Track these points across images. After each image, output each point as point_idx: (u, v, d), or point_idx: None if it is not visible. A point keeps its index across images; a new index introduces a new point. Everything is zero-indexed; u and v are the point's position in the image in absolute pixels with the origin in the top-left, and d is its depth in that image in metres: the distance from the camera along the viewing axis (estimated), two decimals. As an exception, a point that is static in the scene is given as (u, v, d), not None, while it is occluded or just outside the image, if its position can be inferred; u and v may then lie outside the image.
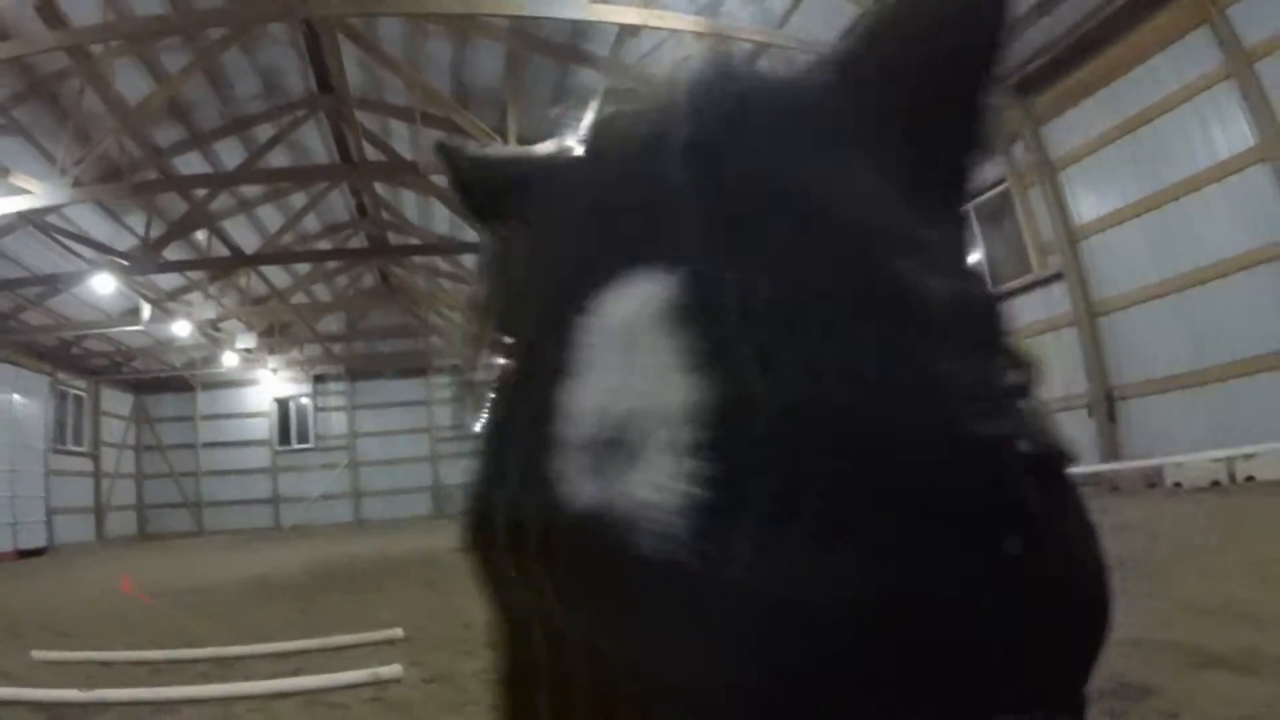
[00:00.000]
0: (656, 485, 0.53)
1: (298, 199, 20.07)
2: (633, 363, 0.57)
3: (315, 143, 18.61)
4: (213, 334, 25.27)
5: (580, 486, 0.56)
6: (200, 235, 19.20)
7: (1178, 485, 11.49)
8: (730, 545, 0.50)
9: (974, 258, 0.74)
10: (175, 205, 17.91)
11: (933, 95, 0.69)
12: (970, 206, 0.82)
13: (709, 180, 0.63)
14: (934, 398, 0.53)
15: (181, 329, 22.66)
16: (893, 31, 0.71)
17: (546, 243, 0.72)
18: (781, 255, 0.58)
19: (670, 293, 0.58)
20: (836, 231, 0.59)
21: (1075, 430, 13.36)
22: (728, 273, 0.57)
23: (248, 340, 24.85)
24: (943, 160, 0.71)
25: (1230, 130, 11.49)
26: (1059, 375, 13.71)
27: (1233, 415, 11.49)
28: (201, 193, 17.20)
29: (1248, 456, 10.83)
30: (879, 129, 0.66)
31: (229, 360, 27.91)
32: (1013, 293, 14.61)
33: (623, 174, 0.68)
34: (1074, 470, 0.61)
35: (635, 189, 0.65)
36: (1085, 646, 0.65)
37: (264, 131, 17.17)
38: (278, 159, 17.73)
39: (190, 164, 17.39)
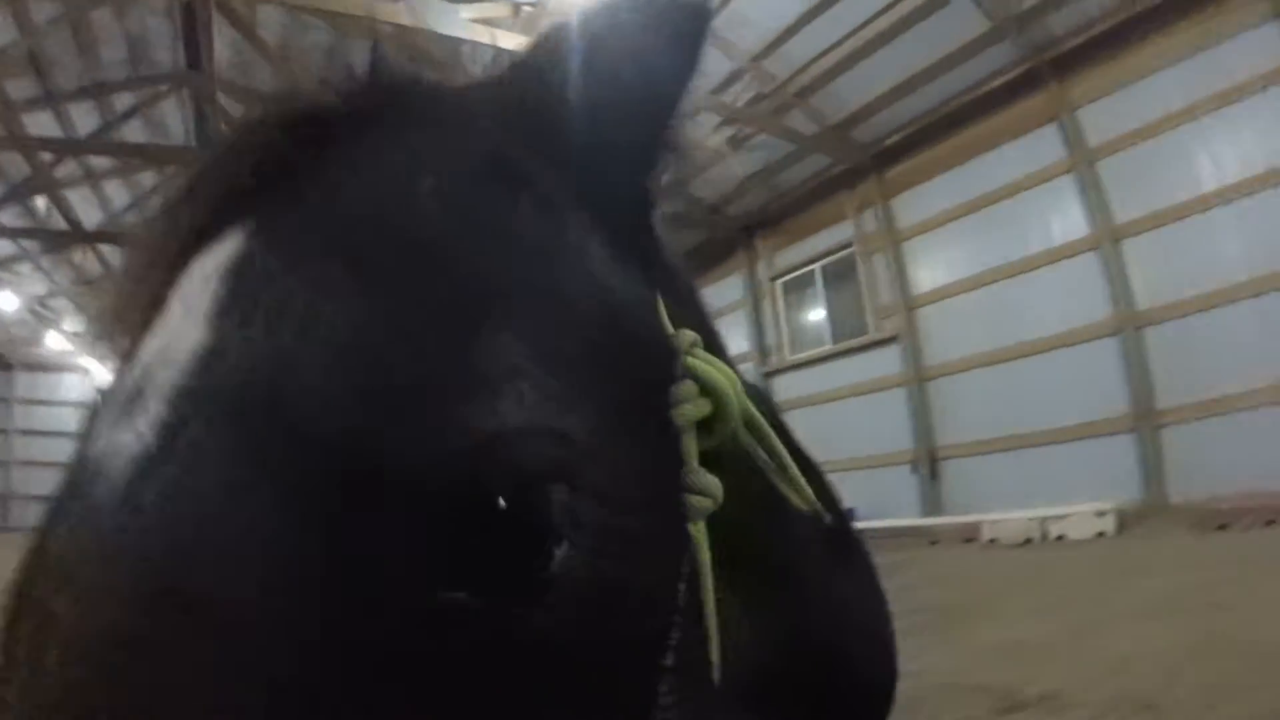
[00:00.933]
0: (135, 431, 0.53)
1: (148, 178, 18.33)
2: (175, 329, 0.58)
3: (175, 122, 17.24)
4: (39, 311, 23.21)
5: (104, 436, 0.55)
6: (40, 202, 17.66)
7: (993, 541, 11.84)
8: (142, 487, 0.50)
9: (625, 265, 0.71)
10: (17, 166, 16.36)
11: (610, 117, 0.71)
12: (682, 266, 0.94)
13: (285, 184, 0.64)
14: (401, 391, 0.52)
15: (7, 301, 20.91)
16: (574, 58, 0.72)
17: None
18: (310, 251, 0.59)
19: (217, 268, 0.60)
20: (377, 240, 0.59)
21: (900, 485, 13.78)
22: (257, 264, 0.59)
23: (76, 323, 22.96)
24: (613, 180, 0.74)
25: (1067, 219, 12.18)
26: (888, 433, 14.02)
27: (1046, 478, 11.99)
28: (48, 157, 15.82)
29: (1059, 517, 11.32)
30: (524, 148, 0.69)
31: (54, 342, 25.80)
32: (849, 351, 15.04)
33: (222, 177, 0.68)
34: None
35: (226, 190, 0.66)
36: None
37: (123, 101, 15.93)
38: (134, 133, 16.41)
39: (41, 124, 15.83)
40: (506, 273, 0.60)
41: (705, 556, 0.63)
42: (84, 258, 20.98)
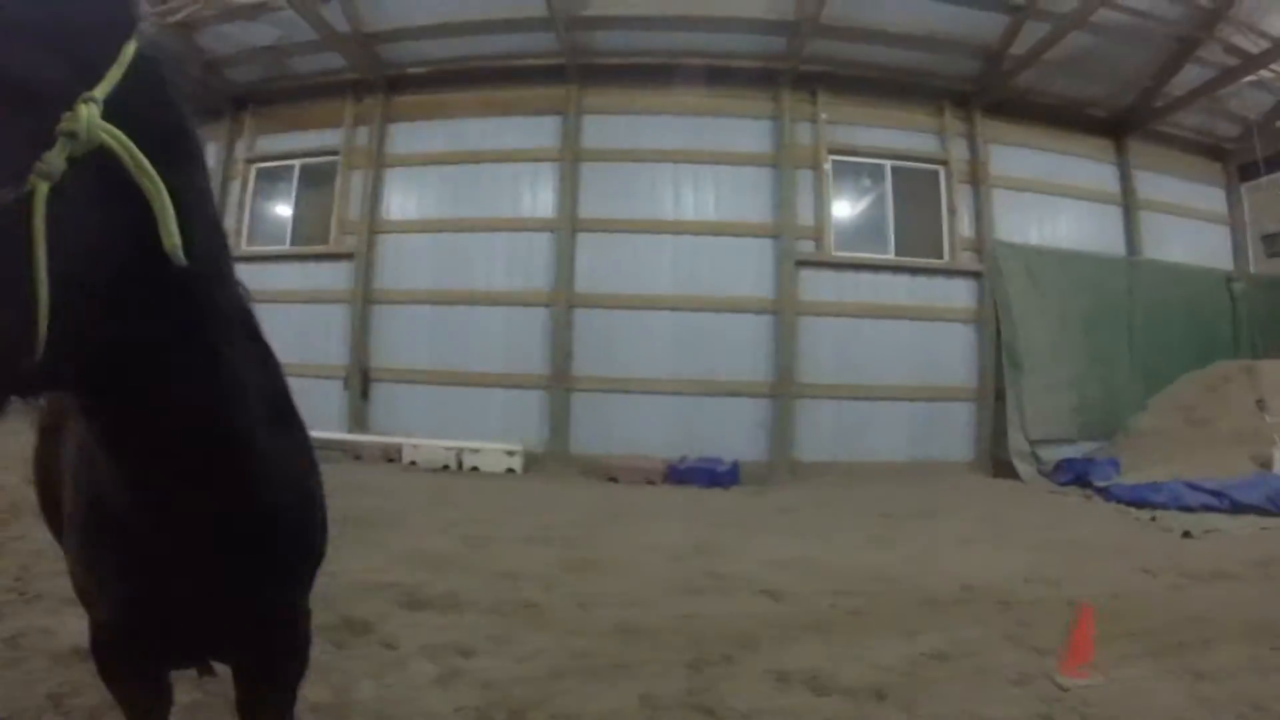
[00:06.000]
0: None
1: None
2: None
3: None
4: None
5: None
6: None
7: (414, 463, 12.33)
8: None
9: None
10: None
11: None
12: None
13: None
14: None
15: None
16: None
17: None
18: None
19: None
20: None
21: (329, 398, 13.45)
22: None
23: None
24: None
25: (538, 199, 13.28)
26: (325, 346, 13.68)
27: (466, 415, 12.90)
28: None
29: (474, 450, 12.25)
30: None
31: None
32: (305, 256, 14.38)
33: None
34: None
35: None
36: None
37: None
38: None
39: None
40: None
41: (39, 217, 0.94)
42: None
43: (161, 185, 1.11)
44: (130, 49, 1.10)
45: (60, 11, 1.03)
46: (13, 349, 0.95)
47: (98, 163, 1.03)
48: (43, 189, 0.94)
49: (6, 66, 0.93)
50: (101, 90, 1.03)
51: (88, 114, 1.00)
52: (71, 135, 0.98)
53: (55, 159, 0.95)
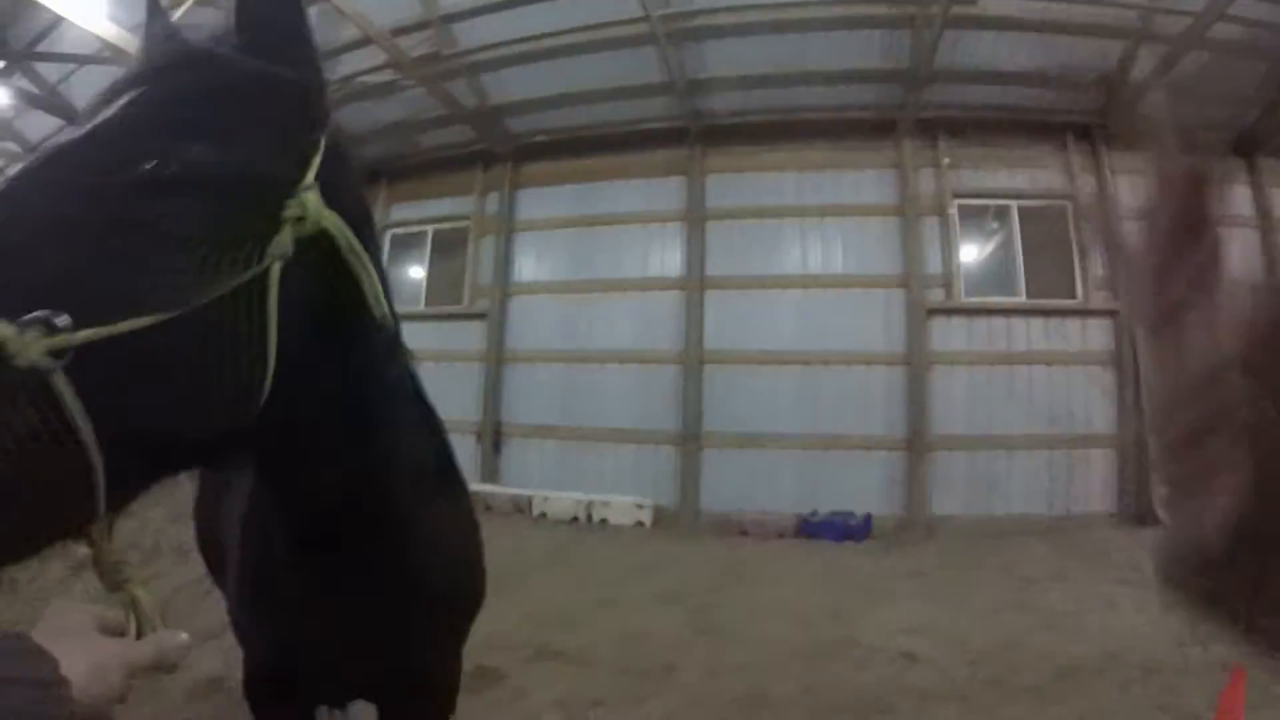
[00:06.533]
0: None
1: None
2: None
3: None
4: None
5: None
6: None
7: (543, 515, 12.66)
8: None
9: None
10: None
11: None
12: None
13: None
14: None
15: None
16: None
17: None
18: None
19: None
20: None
21: (462, 453, 13.87)
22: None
23: None
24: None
25: (665, 260, 13.46)
26: (459, 401, 13.84)
27: (596, 471, 13.17)
28: None
29: (604, 503, 12.48)
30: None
31: None
32: (439, 317, 14.93)
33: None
34: None
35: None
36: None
37: None
38: None
39: None
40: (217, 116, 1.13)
41: (273, 293, 1.10)
42: None
43: (368, 260, 1.29)
44: (324, 140, 1.26)
45: (284, 113, 1.21)
46: (243, 402, 1.09)
47: (312, 242, 1.18)
48: (276, 266, 1.09)
49: (250, 165, 1.11)
50: (312, 178, 1.20)
51: (312, 200, 1.17)
52: (299, 220, 1.15)
53: (285, 240, 1.11)
